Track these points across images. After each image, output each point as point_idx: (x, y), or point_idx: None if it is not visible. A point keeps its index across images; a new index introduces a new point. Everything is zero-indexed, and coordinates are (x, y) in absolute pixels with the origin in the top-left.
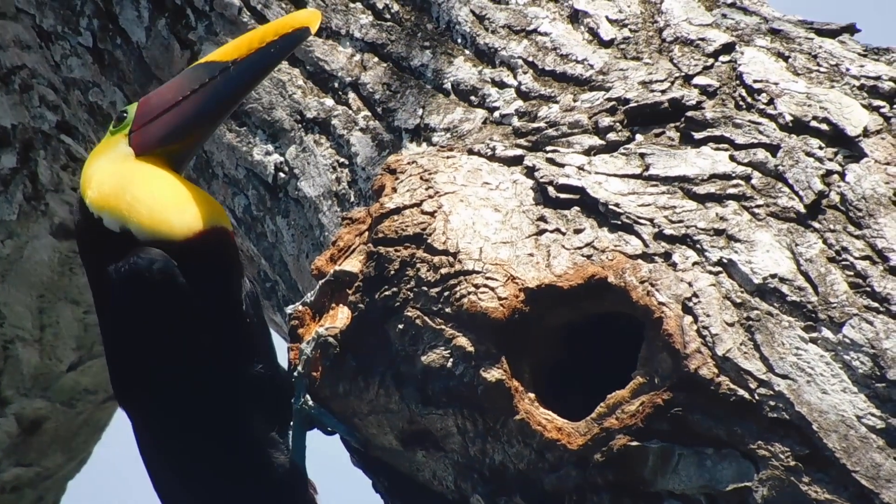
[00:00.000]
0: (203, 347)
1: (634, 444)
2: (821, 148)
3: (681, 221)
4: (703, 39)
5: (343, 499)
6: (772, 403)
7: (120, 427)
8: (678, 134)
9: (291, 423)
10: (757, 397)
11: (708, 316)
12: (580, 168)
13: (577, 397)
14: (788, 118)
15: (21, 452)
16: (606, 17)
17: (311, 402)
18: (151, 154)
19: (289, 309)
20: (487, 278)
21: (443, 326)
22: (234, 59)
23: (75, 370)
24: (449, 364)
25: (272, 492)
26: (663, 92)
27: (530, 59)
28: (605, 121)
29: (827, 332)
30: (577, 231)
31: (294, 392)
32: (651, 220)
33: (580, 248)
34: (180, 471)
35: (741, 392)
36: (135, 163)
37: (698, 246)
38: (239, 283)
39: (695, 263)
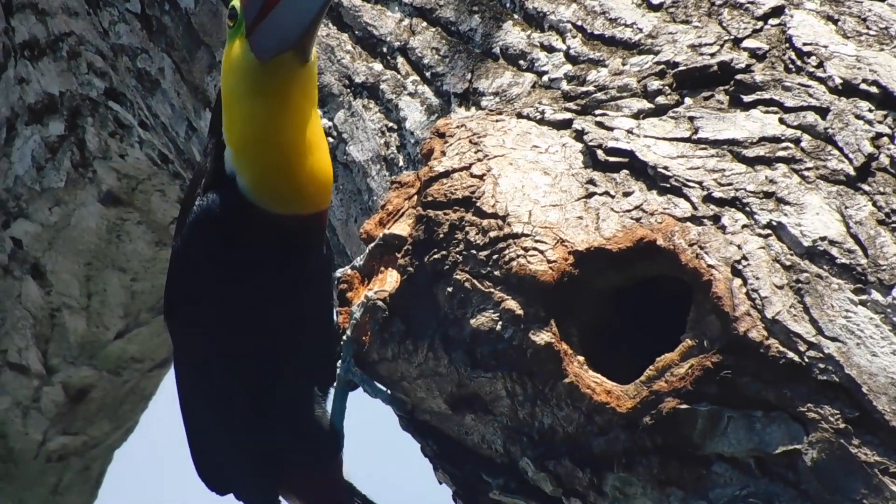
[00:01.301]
0: (260, 298)
1: (684, 406)
2: (870, 111)
3: (730, 184)
4: (752, 2)
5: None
6: (821, 366)
7: (167, 396)
8: (727, 97)
9: (335, 385)
10: (806, 360)
11: (757, 279)
12: (629, 131)
13: (626, 361)
14: (838, 81)
15: (67, 421)
16: None
17: (354, 368)
18: (283, 66)
19: (338, 273)
20: (536, 241)
21: (492, 289)
22: None
23: (122, 338)
24: (498, 327)
25: (305, 446)
26: (712, 55)
27: (579, 22)
28: (654, 84)
29: (877, 295)
30: (626, 194)
31: (341, 355)
32: (700, 183)
33: (629, 210)
34: (214, 411)
35: (790, 355)
36: (264, 90)
37: (747, 209)
38: (316, 254)
39: (744, 226)
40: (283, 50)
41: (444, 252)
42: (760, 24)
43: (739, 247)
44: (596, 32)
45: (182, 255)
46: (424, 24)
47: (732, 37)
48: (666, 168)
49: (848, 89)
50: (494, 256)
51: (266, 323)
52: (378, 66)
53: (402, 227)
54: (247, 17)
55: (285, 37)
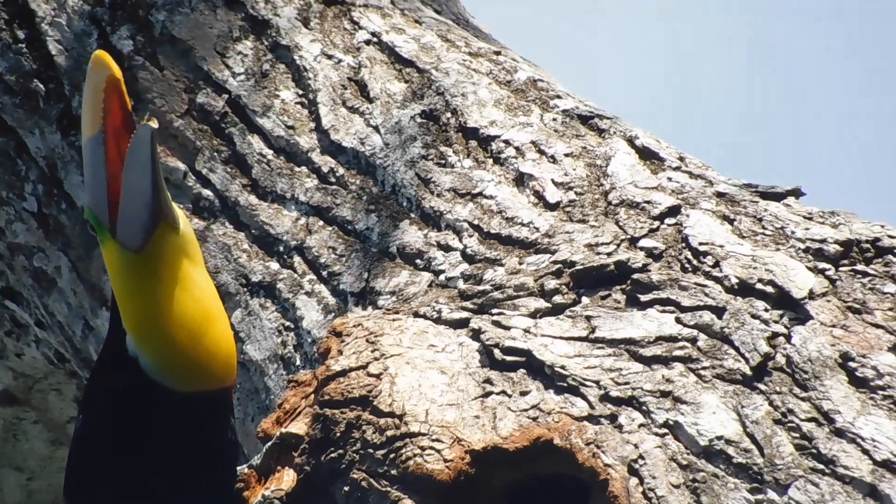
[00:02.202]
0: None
1: None
2: (766, 310)
3: (627, 383)
4: (648, 202)
5: None
6: None
7: None
8: (624, 296)
9: None
10: None
11: (654, 478)
12: (526, 331)
13: None
14: (734, 280)
15: None
16: (552, 180)
17: None
18: (157, 246)
19: None
20: (433, 440)
21: (388, 489)
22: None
23: None
24: None
25: None
26: (609, 254)
27: (476, 221)
28: (551, 283)
29: (773, 494)
30: (524, 393)
31: None
32: (597, 382)
33: (526, 409)
34: None
35: None
36: (151, 275)
37: (644, 408)
38: (222, 433)
39: (641, 425)
40: (149, 227)
41: (340, 451)
42: (657, 223)
43: (636, 446)
44: (493, 231)
45: (85, 434)
46: (321, 222)
47: (629, 236)
48: (563, 367)
49: (744, 289)
50: (391, 455)
51: (163, 499)
52: (275, 265)
53: (299, 426)
54: (102, 221)
55: (143, 213)
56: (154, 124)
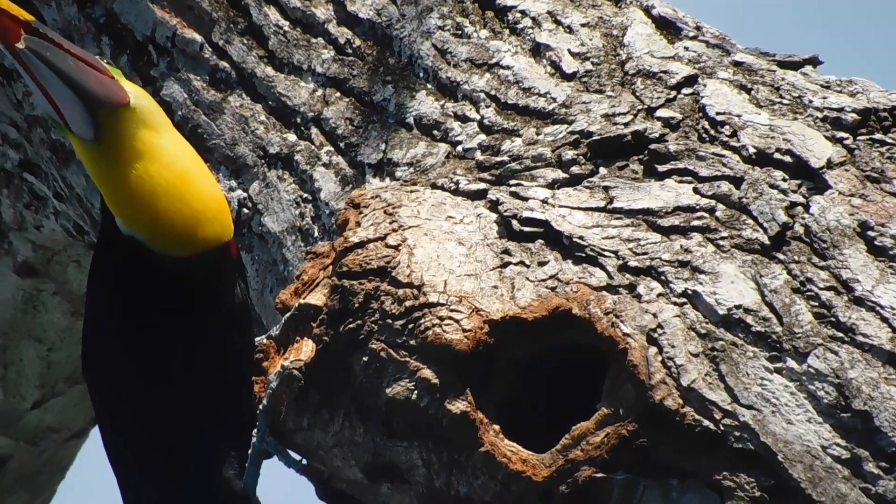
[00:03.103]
0: (172, 344)
1: (599, 475)
2: (784, 180)
3: (645, 254)
4: (665, 72)
5: None
6: (737, 434)
7: (84, 466)
8: (642, 167)
9: (249, 452)
10: (722, 428)
11: (673, 347)
12: (544, 201)
13: (542, 429)
14: (752, 150)
15: None
16: (569, 51)
17: (269, 437)
18: (111, 129)
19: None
20: (452, 310)
21: (407, 359)
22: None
23: (39, 408)
24: (413, 396)
25: None
26: (626, 125)
27: (493, 92)
28: (569, 154)
29: (792, 363)
30: (542, 263)
31: (257, 424)
32: (615, 253)
33: (544, 280)
34: (129, 466)
35: (706, 423)
36: (117, 156)
37: (663, 278)
38: (228, 296)
39: (659, 295)
40: (94, 120)
41: (359, 321)
42: (674, 93)
43: (655, 315)
44: (510, 102)
45: (94, 312)
46: (338, 94)
47: (646, 106)
48: (581, 238)
49: (762, 158)
50: (410, 326)
51: (178, 375)
52: (292, 137)
53: (318, 297)
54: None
55: (76, 109)
56: (21, 45)
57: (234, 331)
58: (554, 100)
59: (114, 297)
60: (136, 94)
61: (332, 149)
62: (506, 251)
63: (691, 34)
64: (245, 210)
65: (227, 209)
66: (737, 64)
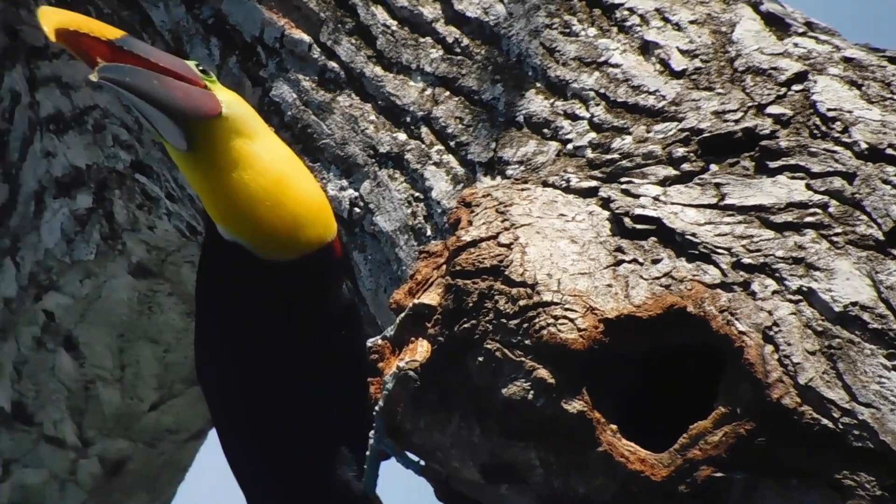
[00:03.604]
0: (285, 349)
1: (719, 475)
2: None
3: (759, 250)
4: (775, 69)
5: None
6: (856, 433)
7: (203, 468)
8: (753, 163)
9: (367, 454)
10: (840, 426)
11: (789, 345)
12: (655, 199)
13: (659, 428)
14: (864, 146)
15: (105, 493)
16: (677, 48)
17: (386, 439)
18: (204, 139)
19: (369, 343)
20: (566, 309)
21: (522, 358)
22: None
23: (157, 409)
24: (529, 396)
25: None
26: (737, 122)
27: (602, 90)
28: (679, 151)
29: None
30: (655, 261)
31: (374, 425)
32: (729, 250)
33: (658, 277)
34: (249, 470)
35: (824, 421)
36: (210, 166)
37: (777, 275)
38: (335, 296)
39: (774, 292)
40: (184, 133)
41: (473, 321)
42: (784, 90)
43: (770, 313)
44: (619, 100)
45: (202, 315)
46: (447, 93)
47: (756, 103)
48: (694, 235)
49: (874, 154)
50: (524, 325)
51: (290, 378)
52: (402, 136)
53: (432, 297)
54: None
55: (168, 125)
56: (94, 77)
57: (343, 330)
58: (663, 97)
59: (221, 303)
60: (228, 102)
61: (442, 147)
62: (619, 249)
63: (800, 30)
64: (356, 209)
65: (329, 209)
66: (847, 60)
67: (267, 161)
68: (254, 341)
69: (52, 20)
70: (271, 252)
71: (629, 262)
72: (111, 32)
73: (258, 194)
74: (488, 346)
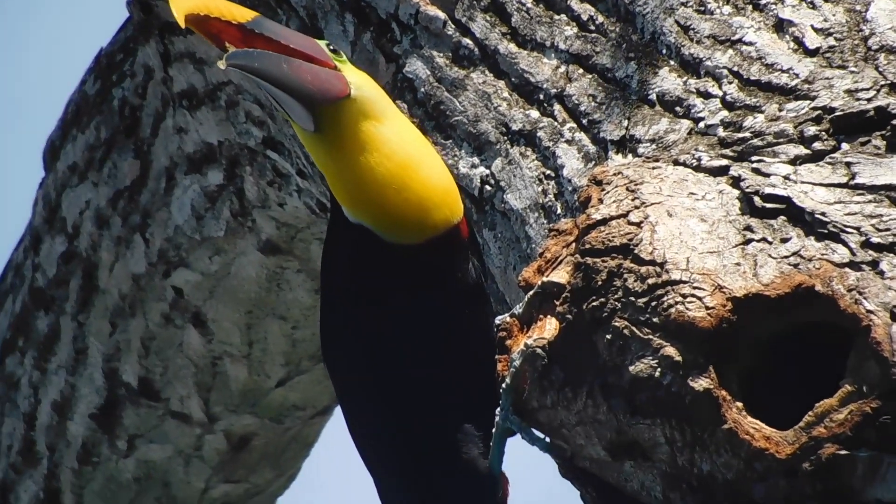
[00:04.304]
0: (410, 330)
1: (843, 452)
2: None
3: (888, 229)
4: None
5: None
6: None
7: (328, 444)
8: (884, 142)
9: (493, 431)
10: None
11: None
12: (786, 178)
13: (785, 406)
14: None
15: (230, 469)
16: (811, 26)
17: (513, 416)
18: (331, 121)
19: (497, 320)
20: (695, 288)
21: (650, 336)
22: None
23: (283, 386)
24: (657, 374)
25: (463, 488)
26: (869, 100)
27: (735, 68)
28: (811, 130)
29: None
30: (784, 240)
31: (500, 402)
32: (858, 229)
33: (787, 256)
34: (375, 450)
35: None
36: (336, 149)
37: None
38: (462, 277)
39: None
40: (312, 116)
41: (602, 299)
42: None
43: None
44: (752, 78)
45: (327, 296)
46: (581, 70)
47: (889, 82)
48: (823, 214)
49: None
50: (653, 303)
51: (416, 357)
52: (535, 114)
53: (561, 275)
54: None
55: (297, 109)
56: (222, 65)
57: (470, 310)
58: (797, 76)
59: (347, 285)
60: (358, 84)
61: (574, 125)
62: (748, 228)
63: None
64: (487, 187)
65: (456, 192)
66: None
67: (394, 144)
68: (380, 322)
69: (182, 5)
70: (397, 236)
71: (758, 240)
72: (242, 14)
73: (384, 178)
74: (616, 324)
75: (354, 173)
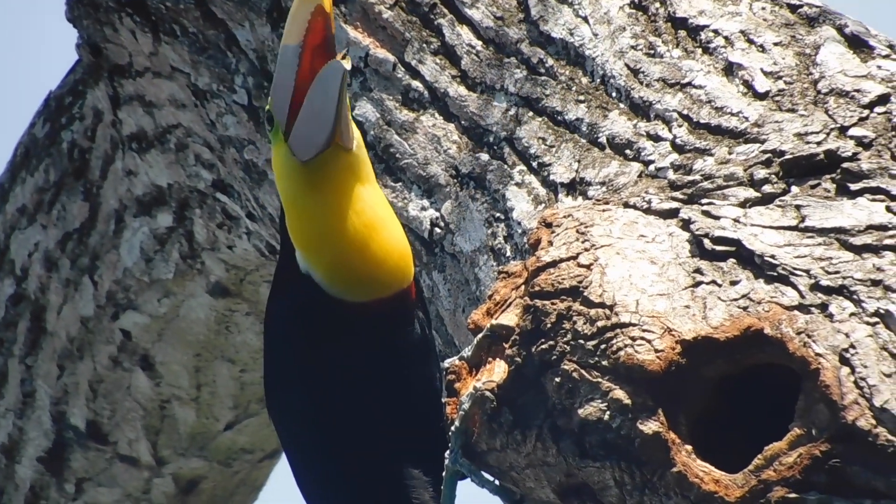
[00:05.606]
0: (353, 385)
1: (792, 496)
2: None
3: (837, 272)
4: (858, 91)
5: None
6: None
7: (277, 487)
8: (834, 185)
9: (443, 474)
10: None
11: (865, 367)
12: (736, 220)
13: (734, 449)
14: None
15: None
16: (761, 70)
17: (462, 459)
18: (325, 162)
19: (446, 363)
20: (644, 330)
21: (599, 379)
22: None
23: (232, 429)
24: (606, 417)
25: None
26: (819, 143)
27: (685, 112)
28: (761, 173)
29: None
30: (734, 283)
31: (450, 445)
32: (807, 272)
33: (736, 299)
34: (322, 494)
35: None
36: (314, 188)
37: (855, 297)
38: (409, 334)
39: (852, 314)
40: (321, 147)
41: (551, 342)
42: (866, 112)
43: (847, 335)
44: (702, 121)
45: (271, 352)
46: (531, 113)
47: (838, 125)
48: (773, 256)
49: None
50: (602, 346)
51: (362, 409)
52: (485, 156)
53: (510, 318)
54: (280, 120)
55: (318, 134)
56: (347, 64)
57: (415, 363)
58: (746, 119)
59: (292, 337)
60: (359, 142)
61: (524, 168)
62: (698, 270)
63: (884, 53)
64: (437, 229)
65: (410, 257)
66: None
67: (366, 204)
68: (323, 375)
69: None
70: (347, 291)
71: (708, 283)
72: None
73: (349, 230)
74: (565, 367)
75: (323, 217)
